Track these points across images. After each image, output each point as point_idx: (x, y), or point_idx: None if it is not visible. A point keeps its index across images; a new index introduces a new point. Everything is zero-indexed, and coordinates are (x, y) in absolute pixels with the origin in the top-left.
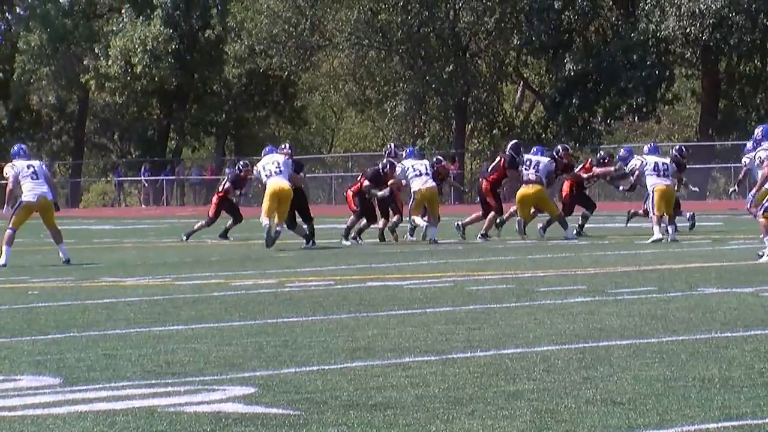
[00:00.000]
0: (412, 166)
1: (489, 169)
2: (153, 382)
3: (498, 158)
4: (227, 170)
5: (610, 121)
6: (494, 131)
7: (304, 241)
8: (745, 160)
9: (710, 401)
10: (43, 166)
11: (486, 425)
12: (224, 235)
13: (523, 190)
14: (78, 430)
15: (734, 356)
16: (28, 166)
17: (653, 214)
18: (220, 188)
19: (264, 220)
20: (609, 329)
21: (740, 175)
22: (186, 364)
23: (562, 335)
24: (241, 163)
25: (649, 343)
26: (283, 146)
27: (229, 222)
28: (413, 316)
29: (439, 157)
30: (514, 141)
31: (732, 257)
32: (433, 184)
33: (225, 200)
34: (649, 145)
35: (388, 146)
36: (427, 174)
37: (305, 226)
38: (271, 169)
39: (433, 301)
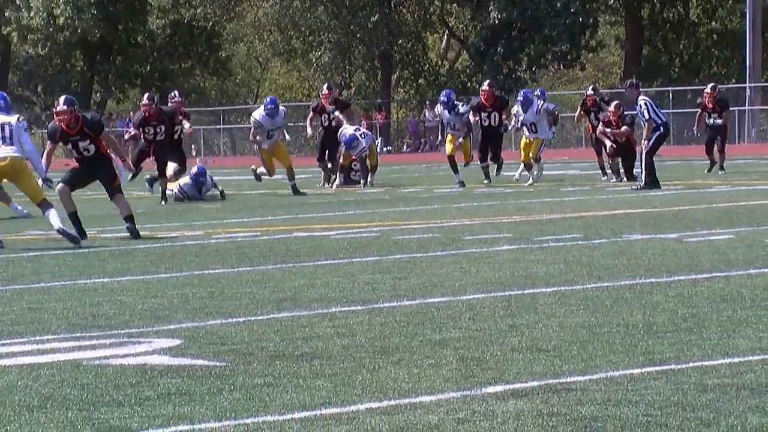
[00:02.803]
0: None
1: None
2: (78, 335)
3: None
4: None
5: (534, 69)
6: (420, 80)
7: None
8: None
9: (634, 347)
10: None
11: (412, 374)
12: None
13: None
14: (2, 384)
15: (658, 302)
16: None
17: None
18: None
19: None
20: (534, 277)
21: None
22: (111, 316)
23: (488, 283)
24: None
25: (573, 290)
26: (172, 94)
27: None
28: (339, 266)
29: None
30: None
31: (657, 204)
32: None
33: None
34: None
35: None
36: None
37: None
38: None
39: (360, 250)
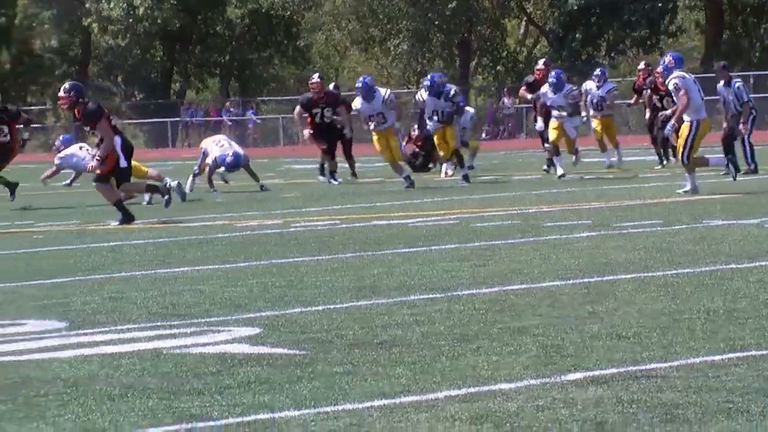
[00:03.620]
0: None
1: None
2: (158, 324)
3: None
4: (225, 111)
5: (613, 55)
6: (498, 67)
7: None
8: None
9: (715, 333)
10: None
11: (491, 361)
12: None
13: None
14: (84, 373)
15: (739, 288)
16: None
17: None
18: None
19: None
20: (614, 263)
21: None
22: (191, 305)
23: (567, 270)
24: None
25: (653, 276)
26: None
27: None
28: (418, 253)
29: None
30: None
31: (737, 189)
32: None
33: None
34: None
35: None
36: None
37: None
38: None
39: (438, 238)
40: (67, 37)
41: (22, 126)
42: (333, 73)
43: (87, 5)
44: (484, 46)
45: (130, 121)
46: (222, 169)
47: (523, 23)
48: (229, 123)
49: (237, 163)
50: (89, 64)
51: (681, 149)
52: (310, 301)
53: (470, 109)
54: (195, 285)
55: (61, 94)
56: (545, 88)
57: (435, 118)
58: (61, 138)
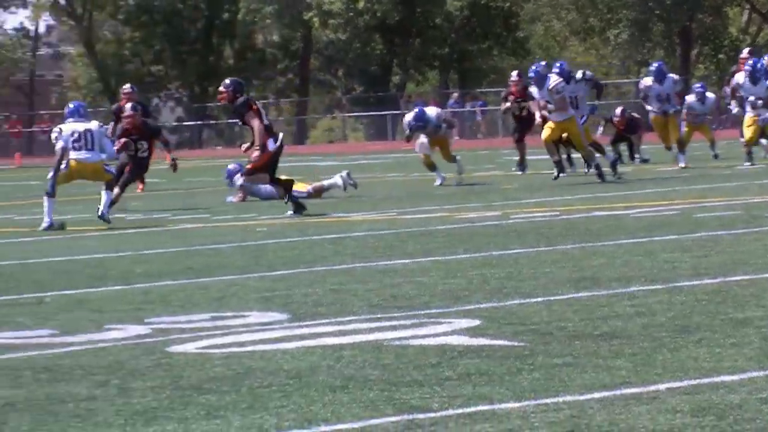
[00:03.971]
0: None
1: None
2: (379, 315)
3: None
4: (450, 103)
5: None
6: (720, 56)
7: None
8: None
9: None
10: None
11: (714, 353)
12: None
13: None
14: (306, 364)
15: None
16: (78, 133)
17: None
18: None
19: None
20: None
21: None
22: (412, 297)
23: None
24: None
25: None
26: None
27: None
28: (639, 244)
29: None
30: None
31: None
32: None
33: None
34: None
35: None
36: None
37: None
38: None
39: (659, 229)
40: (289, 31)
41: (162, 145)
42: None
43: (308, 0)
44: (705, 34)
45: (350, 114)
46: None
47: (746, 11)
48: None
49: None
50: (310, 58)
51: None
52: (529, 292)
53: (711, 95)
54: (415, 277)
55: (221, 89)
56: (741, 78)
57: (659, 104)
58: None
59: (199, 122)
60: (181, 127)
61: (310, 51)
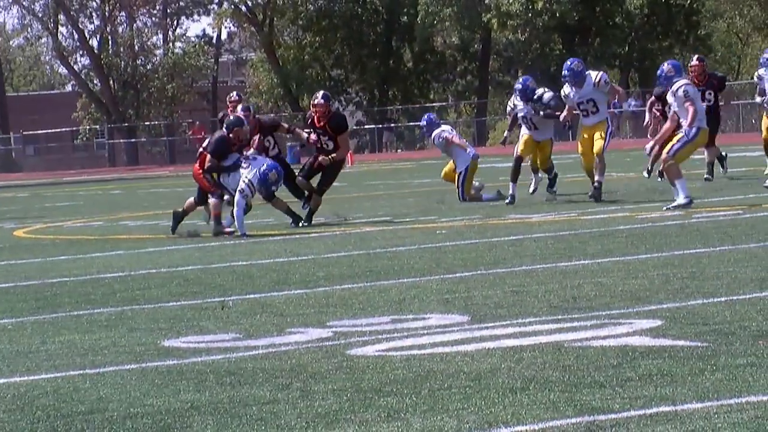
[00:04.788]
0: None
1: None
2: (560, 317)
3: None
4: (631, 101)
5: None
6: None
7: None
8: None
9: None
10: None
11: None
12: None
13: None
14: (486, 366)
15: None
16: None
17: None
18: None
19: None
20: None
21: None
22: (592, 298)
23: None
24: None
25: None
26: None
27: None
28: None
29: None
30: None
31: None
32: None
33: None
34: None
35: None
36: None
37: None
38: None
39: None
40: (468, 33)
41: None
42: (735, 61)
43: (487, 1)
44: None
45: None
46: None
47: None
48: (631, 112)
49: None
50: (489, 60)
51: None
52: (712, 292)
53: None
54: (595, 278)
55: (320, 101)
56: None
57: None
58: None
59: (379, 125)
60: (361, 130)
61: (489, 52)
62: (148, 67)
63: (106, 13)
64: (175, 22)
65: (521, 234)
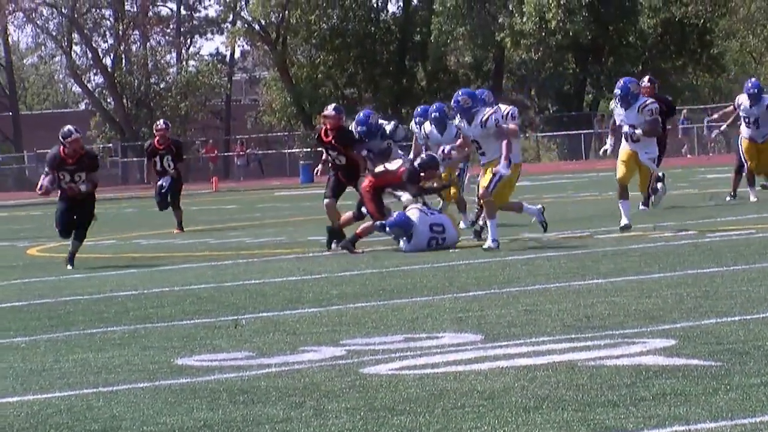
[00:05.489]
0: None
1: None
2: (573, 336)
3: None
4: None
5: None
6: None
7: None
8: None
9: None
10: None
11: None
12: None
13: None
14: (499, 385)
15: None
16: None
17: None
18: None
19: None
20: None
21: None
22: (606, 317)
23: None
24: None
25: None
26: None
27: None
28: None
29: None
30: None
31: None
32: None
33: None
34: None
35: None
36: None
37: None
38: None
39: None
40: (481, 52)
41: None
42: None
43: (500, 20)
44: None
45: (543, 133)
46: None
47: None
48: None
49: None
50: (503, 78)
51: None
52: (725, 311)
53: None
54: (609, 297)
55: (331, 113)
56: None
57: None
58: None
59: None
60: None
61: (503, 71)
62: (162, 86)
63: (120, 32)
64: (188, 41)
65: (534, 252)
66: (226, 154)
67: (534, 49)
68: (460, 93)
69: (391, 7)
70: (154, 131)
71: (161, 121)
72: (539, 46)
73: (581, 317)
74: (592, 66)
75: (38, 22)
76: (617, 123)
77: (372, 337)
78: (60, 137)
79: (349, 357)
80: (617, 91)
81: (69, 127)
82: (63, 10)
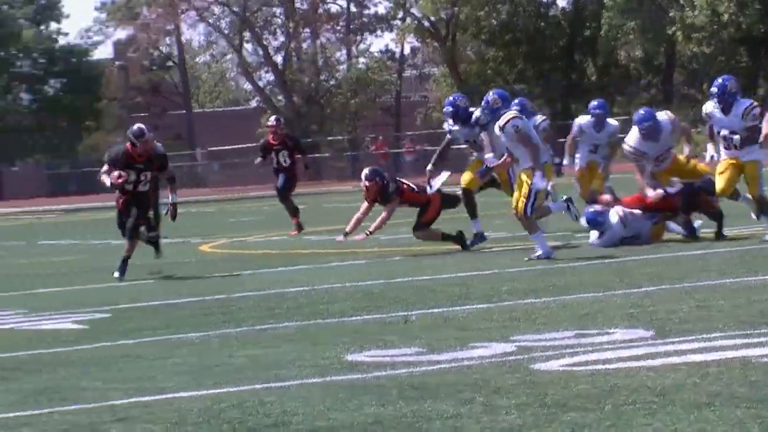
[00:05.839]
0: None
1: None
2: (747, 332)
3: None
4: None
5: None
6: None
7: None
8: None
9: None
10: None
11: None
12: None
13: None
14: (670, 381)
15: None
16: None
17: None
18: None
19: None
20: None
21: None
22: None
23: None
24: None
25: None
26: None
27: None
28: None
29: None
30: None
31: None
32: None
33: None
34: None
35: None
36: None
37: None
38: None
39: None
40: (652, 46)
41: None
42: None
43: (671, 14)
44: None
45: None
46: None
47: None
48: None
49: None
50: (674, 73)
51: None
52: None
53: None
54: None
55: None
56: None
57: None
58: None
59: (560, 140)
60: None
61: (674, 65)
62: (332, 83)
63: (291, 30)
64: (358, 38)
65: (706, 248)
66: (395, 150)
67: (706, 42)
68: (491, 93)
69: (561, 2)
70: (266, 127)
71: (273, 117)
72: (711, 40)
73: (755, 313)
74: (765, 60)
75: (210, 20)
76: (715, 130)
77: (542, 333)
78: (131, 135)
79: (520, 353)
80: (714, 89)
81: (141, 125)
82: (234, 8)
